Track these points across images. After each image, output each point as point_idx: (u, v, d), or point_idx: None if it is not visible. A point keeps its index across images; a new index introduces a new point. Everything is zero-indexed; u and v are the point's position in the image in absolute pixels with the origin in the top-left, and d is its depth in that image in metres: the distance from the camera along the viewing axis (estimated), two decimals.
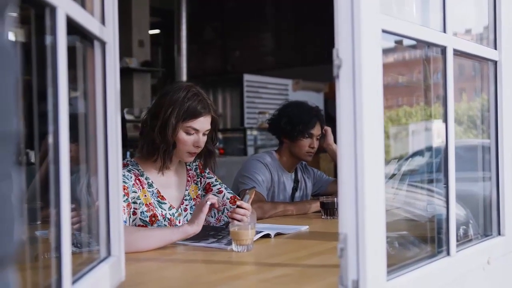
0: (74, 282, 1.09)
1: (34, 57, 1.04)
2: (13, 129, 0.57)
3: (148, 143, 2.17)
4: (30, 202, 1.46)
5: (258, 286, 1.50)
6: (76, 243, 1.34)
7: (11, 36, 0.58)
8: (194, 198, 2.33)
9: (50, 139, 1.00)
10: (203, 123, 2.18)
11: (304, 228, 2.35)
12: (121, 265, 1.42)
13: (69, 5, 1.05)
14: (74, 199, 1.16)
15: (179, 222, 2.23)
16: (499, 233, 1.81)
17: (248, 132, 7.45)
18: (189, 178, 2.35)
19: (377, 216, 1.20)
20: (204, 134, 2.20)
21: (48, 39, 1.00)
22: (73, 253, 1.08)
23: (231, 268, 1.70)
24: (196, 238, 2.03)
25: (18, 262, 0.62)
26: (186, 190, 2.32)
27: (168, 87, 2.24)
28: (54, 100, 1.00)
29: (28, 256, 1.17)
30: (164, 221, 2.18)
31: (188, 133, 2.16)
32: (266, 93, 8.11)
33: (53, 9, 0.98)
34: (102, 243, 1.36)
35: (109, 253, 1.37)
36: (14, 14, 0.60)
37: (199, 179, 2.38)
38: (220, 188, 2.37)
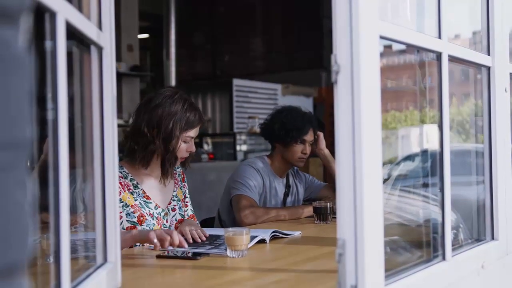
0: None
1: (33, 62, 1.03)
2: (27, 137, 0.57)
3: (150, 153, 2.24)
4: None
5: None
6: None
7: (25, 44, 0.58)
8: (182, 200, 2.44)
9: (50, 145, 0.99)
10: (197, 130, 2.33)
11: (297, 233, 2.35)
12: (118, 271, 1.41)
13: (69, 11, 1.05)
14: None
15: (167, 222, 2.33)
16: (492, 238, 1.82)
17: (238, 136, 7.43)
18: (176, 181, 2.45)
19: (375, 221, 1.20)
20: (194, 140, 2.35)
21: (47, 44, 1.00)
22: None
23: (227, 274, 1.70)
24: (194, 245, 2.03)
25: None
26: (174, 191, 2.41)
27: (158, 97, 2.27)
28: (54, 105, 0.99)
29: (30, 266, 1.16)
30: (152, 219, 2.25)
31: (185, 142, 2.28)
32: (256, 97, 8.11)
33: (53, 15, 0.98)
34: (98, 250, 1.35)
35: (105, 260, 1.36)
36: (28, 22, 0.60)
37: (182, 185, 2.50)
38: (187, 202, 2.51)
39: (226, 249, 1.87)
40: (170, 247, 1.98)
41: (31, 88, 0.58)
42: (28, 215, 0.58)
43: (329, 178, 3.60)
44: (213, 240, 2.13)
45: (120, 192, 2.19)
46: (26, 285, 0.58)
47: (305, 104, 7.55)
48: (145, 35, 9.88)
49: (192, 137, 2.30)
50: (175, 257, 1.87)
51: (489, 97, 1.83)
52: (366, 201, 1.16)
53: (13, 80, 0.55)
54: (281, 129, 2.99)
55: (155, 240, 1.87)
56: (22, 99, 0.56)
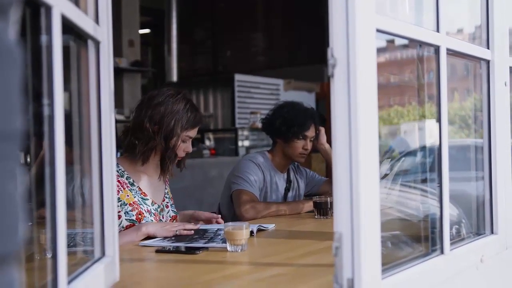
0: (69, 282, 1.08)
1: (28, 57, 1.03)
2: (18, 128, 0.58)
3: (149, 149, 2.27)
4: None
5: (253, 285, 1.50)
6: (69, 243, 1.34)
7: (15, 36, 0.58)
8: (171, 198, 2.49)
9: (46, 140, 0.99)
10: (196, 131, 2.37)
11: (272, 226, 2.37)
12: (116, 265, 1.41)
13: (65, 4, 1.05)
14: (67, 200, 1.16)
15: (163, 217, 2.37)
16: (492, 232, 1.82)
17: (240, 132, 7.43)
18: (167, 180, 2.49)
19: (372, 214, 1.20)
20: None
21: (43, 39, 1.00)
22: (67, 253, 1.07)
23: (226, 268, 1.70)
24: (187, 240, 2.03)
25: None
26: (166, 189, 2.46)
27: (161, 96, 2.30)
28: (50, 100, 0.99)
29: (22, 256, 1.16)
30: (150, 216, 2.29)
31: (183, 141, 2.32)
32: (258, 93, 8.11)
33: (48, 9, 0.98)
34: (96, 244, 1.36)
35: (103, 254, 1.37)
36: (18, 14, 0.60)
37: (169, 184, 2.54)
38: (172, 202, 2.50)
39: (223, 242, 1.88)
40: (166, 243, 1.99)
41: (21, 81, 0.59)
42: (19, 206, 0.58)
43: (330, 173, 3.60)
44: (202, 234, 2.13)
45: (118, 191, 2.21)
46: (17, 276, 0.58)
47: (307, 99, 7.55)
48: (146, 30, 9.88)
49: (191, 137, 2.34)
50: (174, 251, 1.87)
51: (488, 91, 1.83)
52: (363, 194, 1.16)
53: (3, 73, 0.55)
54: (283, 125, 2.99)
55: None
56: (12, 91, 0.56)
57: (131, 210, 2.23)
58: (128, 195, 2.25)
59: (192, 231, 2.14)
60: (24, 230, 0.59)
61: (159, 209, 2.36)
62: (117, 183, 2.22)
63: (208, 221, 2.42)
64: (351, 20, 1.15)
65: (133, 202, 2.25)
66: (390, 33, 1.33)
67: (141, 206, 2.26)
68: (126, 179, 2.29)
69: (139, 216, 2.24)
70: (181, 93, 2.35)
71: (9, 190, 0.56)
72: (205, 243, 1.97)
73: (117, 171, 2.26)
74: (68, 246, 1.13)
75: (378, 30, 1.24)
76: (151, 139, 2.25)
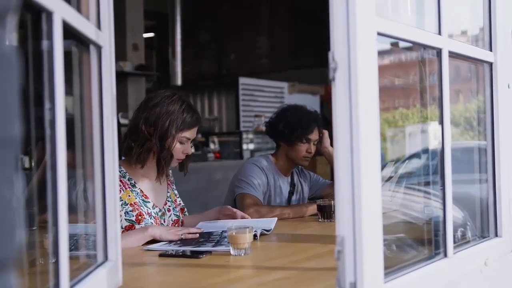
0: (71, 287, 1.09)
1: (30, 62, 1.03)
2: (15, 134, 0.58)
3: (146, 150, 2.27)
4: (26, 207, 1.46)
5: None
6: (71, 247, 1.34)
7: (12, 41, 0.59)
8: (174, 201, 2.47)
9: (47, 145, 0.99)
10: (195, 132, 2.36)
11: (274, 220, 2.40)
12: (118, 269, 1.41)
13: (66, 10, 1.05)
14: (70, 204, 1.17)
15: (164, 221, 2.37)
16: (496, 235, 1.81)
17: (244, 135, 7.43)
18: (169, 183, 2.49)
19: (374, 218, 1.20)
20: (191, 142, 2.37)
21: (44, 44, 1.00)
22: (70, 258, 1.08)
23: (229, 272, 1.70)
24: (193, 244, 2.03)
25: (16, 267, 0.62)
26: (168, 192, 2.45)
27: (157, 97, 2.31)
28: (51, 105, 0.99)
29: (25, 261, 1.17)
30: (150, 218, 2.29)
31: (181, 143, 2.31)
32: (262, 96, 8.11)
33: (49, 14, 0.98)
34: (99, 248, 1.36)
35: (106, 258, 1.37)
36: (15, 19, 0.60)
37: (174, 186, 2.53)
38: (174, 206, 2.48)
39: (227, 245, 1.88)
40: (172, 247, 1.99)
41: (18, 87, 0.59)
42: (16, 211, 0.58)
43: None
44: (207, 237, 2.13)
45: (120, 190, 2.21)
46: (14, 281, 0.58)
47: (312, 102, 7.55)
48: (151, 34, 9.87)
49: (189, 138, 2.32)
50: (178, 255, 1.87)
51: (491, 93, 1.82)
52: (365, 198, 1.16)
53: (0, 79, 0.55)
54: (286, 128, 2.98)
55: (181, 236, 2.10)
56: (9, 97, 0.56)
57: (132, 211, 2.23)
58: (129, 195, 2.26)
59: (197, 235, 2.15)
60: (22, 236, 0.59)
61: (160, 213, 2.35)
62: (119, 183, 2.23)
63: (233, 217, 2.46)
64: (351, 23, 1.15)
65: (134, 203, 2.25)
66: (391, 36, 1.33)
67: (141, 207, 2.27)
68: (128, 180, 2.29)
69: (139, 218, 2.24)
70: (177, 94, 2.35)
71: (6, 196, 0.56)
72: (212, 246, 1.97)
73: (120, 172, 2.27)
74: (70, 249, 1.13)
75: (379, 33, 1.24)
76: (147, 141, 2.25)
